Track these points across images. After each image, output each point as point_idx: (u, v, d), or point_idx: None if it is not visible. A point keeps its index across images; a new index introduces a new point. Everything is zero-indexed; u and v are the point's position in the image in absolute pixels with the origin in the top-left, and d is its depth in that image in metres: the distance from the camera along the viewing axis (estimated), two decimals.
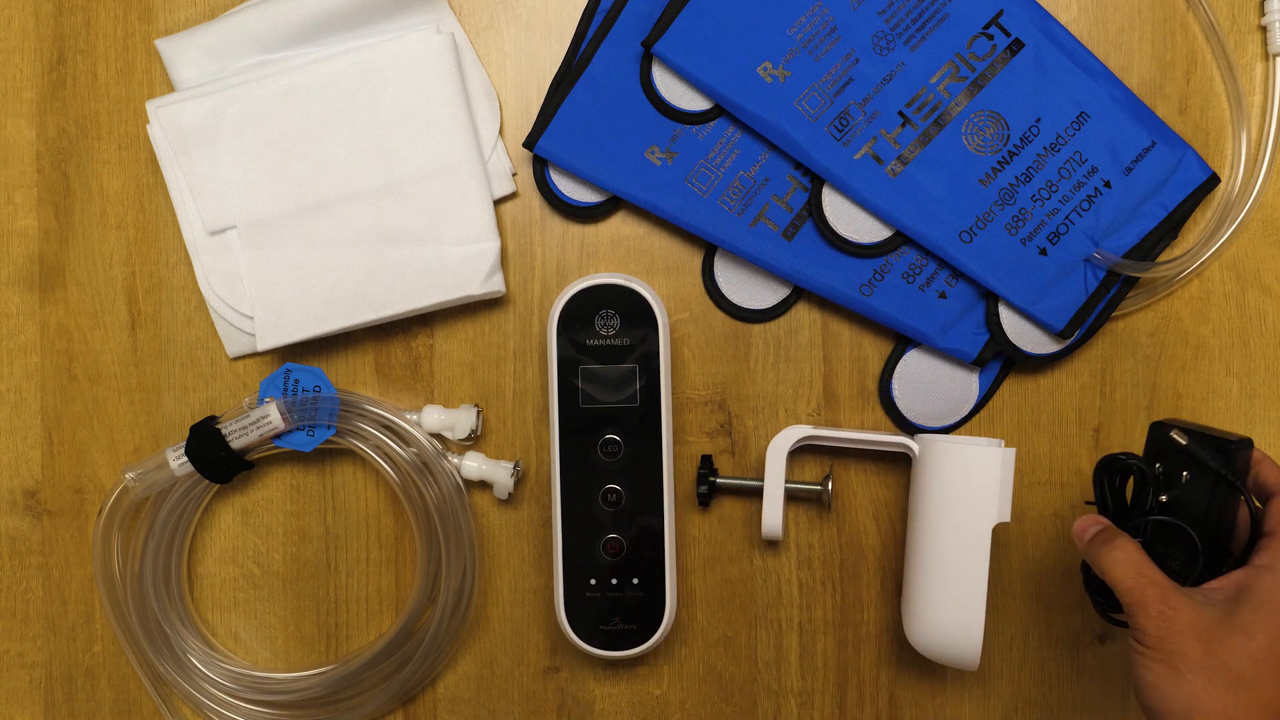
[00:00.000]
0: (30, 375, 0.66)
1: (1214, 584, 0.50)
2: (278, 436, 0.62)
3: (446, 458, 0.63)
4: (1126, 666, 0.49)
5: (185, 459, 0.62)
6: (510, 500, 0.65)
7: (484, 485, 0.64)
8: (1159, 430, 0.54)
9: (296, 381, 0.62)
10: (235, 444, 0.61)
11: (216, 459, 0.61)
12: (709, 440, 0.65)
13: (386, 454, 0.63)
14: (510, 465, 0.63)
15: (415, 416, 0.63)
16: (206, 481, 0.63)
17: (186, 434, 0.62)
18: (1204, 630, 0.47)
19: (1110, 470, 0.55)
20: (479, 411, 0.64)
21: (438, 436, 0.64)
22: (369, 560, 0.66)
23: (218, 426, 0.61)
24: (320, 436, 0.62)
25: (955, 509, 0.57)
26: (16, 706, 0.66)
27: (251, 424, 0.61)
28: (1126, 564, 0.49)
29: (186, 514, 0.64)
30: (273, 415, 0.61)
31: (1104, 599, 0.56)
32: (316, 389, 0.62)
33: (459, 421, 0.63)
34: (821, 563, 0.65)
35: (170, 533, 0.63)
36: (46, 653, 0.66)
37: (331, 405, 0.62)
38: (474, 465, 0.63)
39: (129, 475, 0.62)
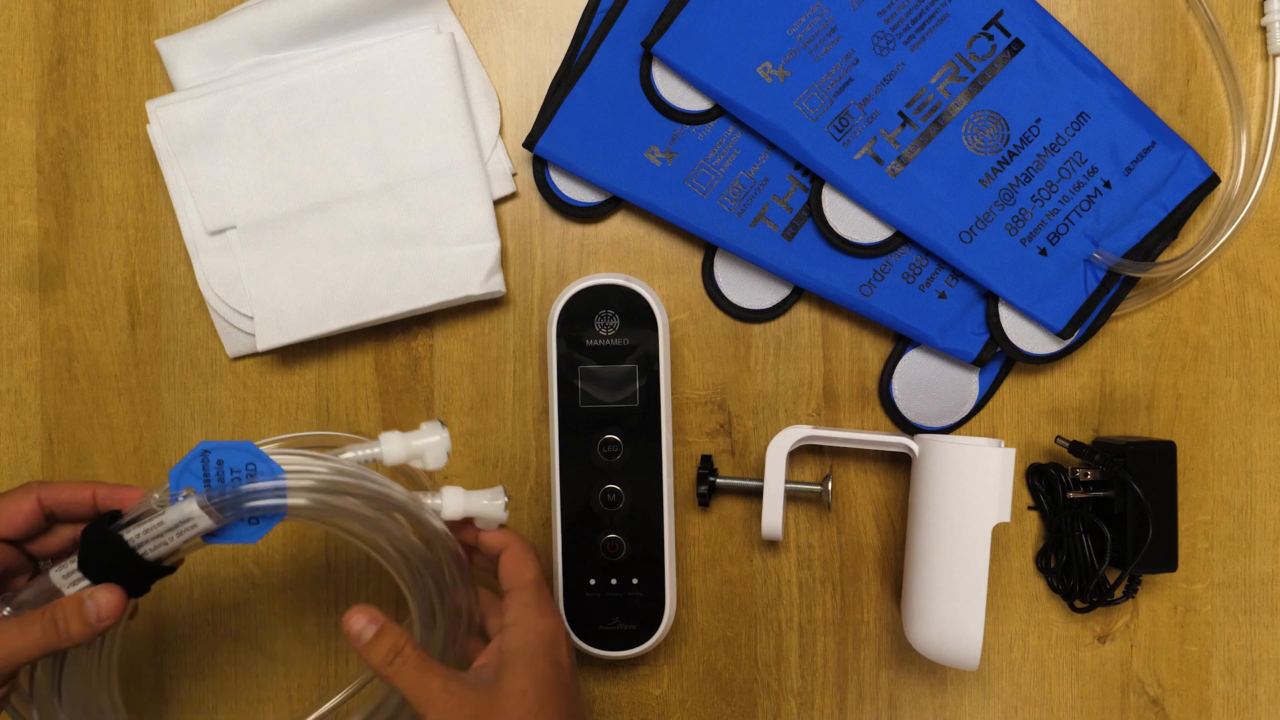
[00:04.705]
0: (30, 375, 0.66)
1: (480, 660, 0.51)
2: (211, 535, 0.49)
3: (438, 519, 0.52)
4: None
5: (78, 575, 0.48)
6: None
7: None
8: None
9: (221, 463, 0.48)
10: (150, 554, 0.48)
11: (124, 573, 0.48)
12: (709, 440, 0.65)
13: (365, 535, 0.52)
14: (497, 495, 0.53)
15: (375, 449, 0.51)
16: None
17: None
18: (486, 708, 0.47)
19: (1032, 474, 0.64)
20: (444, 426, 0.53)
21: (403, 470, 0.53)
22: (369, 560, 0.65)
23: (122, 534, 0.48)
24: (267, 524, 0.49)
25: (955, 509, 0.57)
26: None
27: (170, 529, 0.47)
28: (404, 663, 0.48)
29: (98, 658, 0.51)
30: (196, 516, 0.47)
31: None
32: (251, 467, 0.48)
33: (429, 449, 0.52)
34: (821, 563, 0.65)
35: (83, 683, 0.50)
36: None
37: (275, 486, 0.48)
38: (457, 503, 0.52)
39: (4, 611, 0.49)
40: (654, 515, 0.61)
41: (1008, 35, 0.61)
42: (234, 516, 0.48)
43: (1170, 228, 0.61)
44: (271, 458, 0.48)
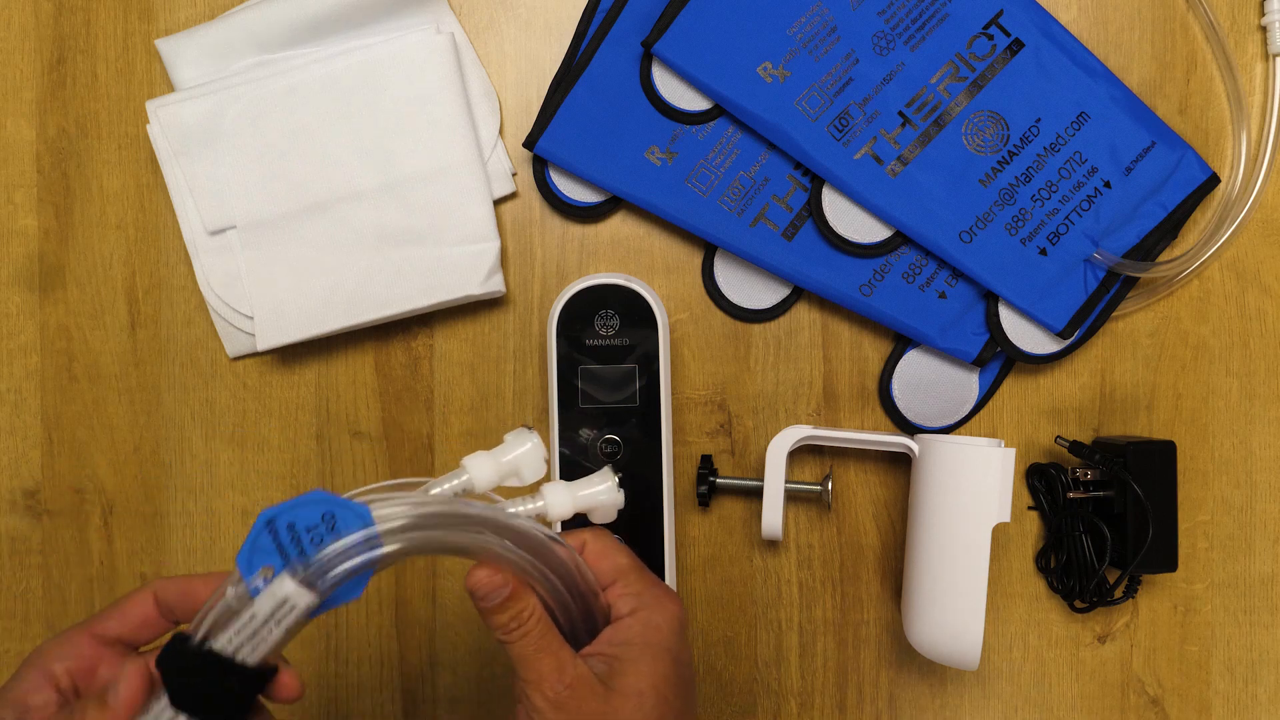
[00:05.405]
0: (30, 375, 0.66)
1: (590, 649, 0.45)
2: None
3: (557, 540, 0.45)
4: None
5: (171, 714, 0.40)
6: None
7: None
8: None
9: (292, 527, 0.40)
10: (251, 659, 0.40)
11: (226, 692, 0.40)
12: (709, 440, 0.65)
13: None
14: (606, 478, 0.47)
15: (463, 478, 0.45)
16: None
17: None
18: (597, 706, 0.43)
19: (1032, 474, 0.64)
20: (532, 431, 0.46)
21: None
22: None
23: (211, 648, 0.40)
24: (366, 574, 0.41)
25: (955, 509, 0.57)
26: None
27: (266, 621, 0.39)
28: (524, 634, 0.44)
29: None
30: (293, 595, 0.39)
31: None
32: (329, 518, 0.40)
33: (523, 462, 0.46)
34: (821, 563, 0.65)
35: None
36: None
37: (368, 535, 0.40)
38: (563, 501, 0.46)
39: None
40: (654, 515, 0.61)
41: (1008, 35, 0.61)
42: (334, 584, 0.40)
43: (1170, 228, 0.61)
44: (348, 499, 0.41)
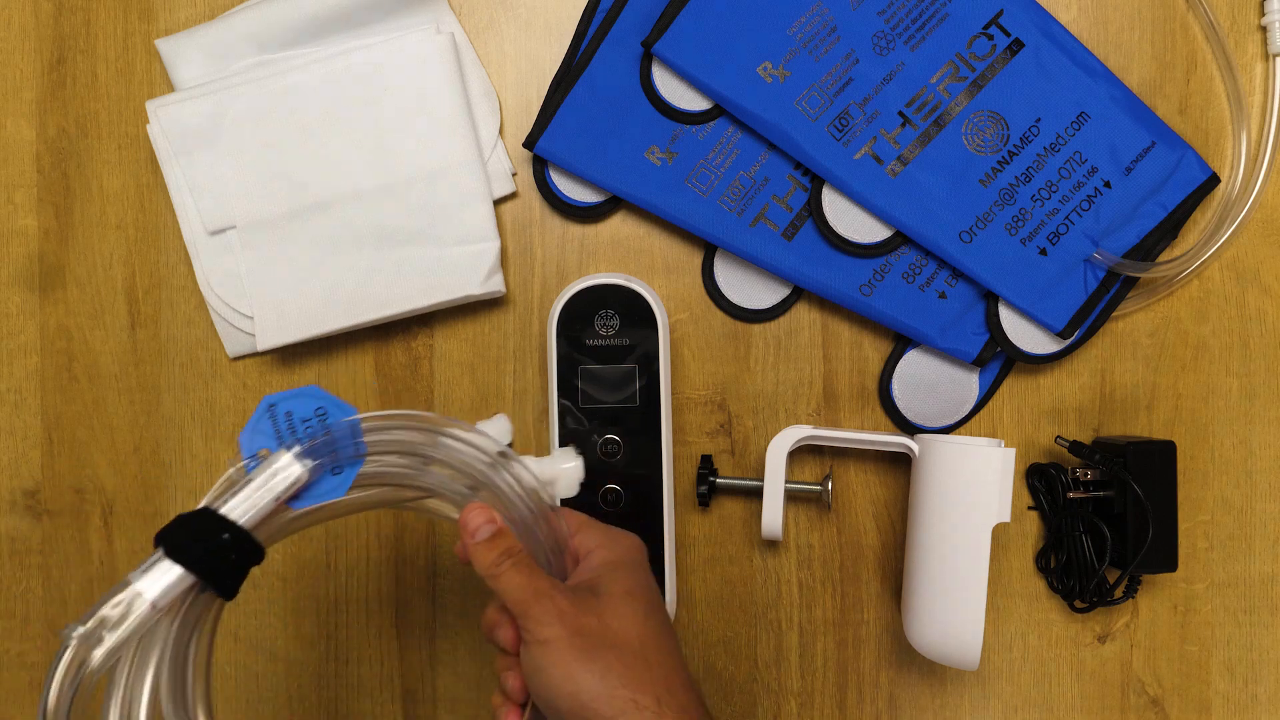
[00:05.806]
0: (30, 375, 0.66)
1: (572, 580, 0.48)
2: (295, 497, 0.46)
3: (537, 483, 0.49)
4: (529, 672, 0.45)
5: (167, 573, 0.42)
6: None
7: None
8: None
9: (290, 414, 0.46)
10: (245, 519, 0.44)
11: (219, 549, 0.43)
12: (709, 440, 0.65)
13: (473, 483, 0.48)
14: (569, 455, 0.52)
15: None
16: (200, 604, 0.44)
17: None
18: (594, 616, 0.45)
19: (1032, 474, 0.65)
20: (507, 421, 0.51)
21: None
22: (369, 560, 0.66)
23: (210, 508, 0.44)
24: (350, 471, 0.47)
25: (955, 509, 0.57)
26: (16, 706, 0.66)
27: (260, 487, 0.45)
28: (512, 565, 0.46)
29: (187, 656, 0.44)
30: (283, 466, 0.45)
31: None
32: (320, 411, 0.46)
33: (494, 432, 0.50)
34: (821, 563, 0.65)
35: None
36: (46, 653, 0.66)
37: (352, 422, 0.46)
38: (531, 464, 0.50)
39: (75, 634, 0.42)
40: (654, 515, 0.61)
41: (1008, 35, 0.61)
42: (319, 466, 0.45)
43: (1170, 228, 0.61)
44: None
